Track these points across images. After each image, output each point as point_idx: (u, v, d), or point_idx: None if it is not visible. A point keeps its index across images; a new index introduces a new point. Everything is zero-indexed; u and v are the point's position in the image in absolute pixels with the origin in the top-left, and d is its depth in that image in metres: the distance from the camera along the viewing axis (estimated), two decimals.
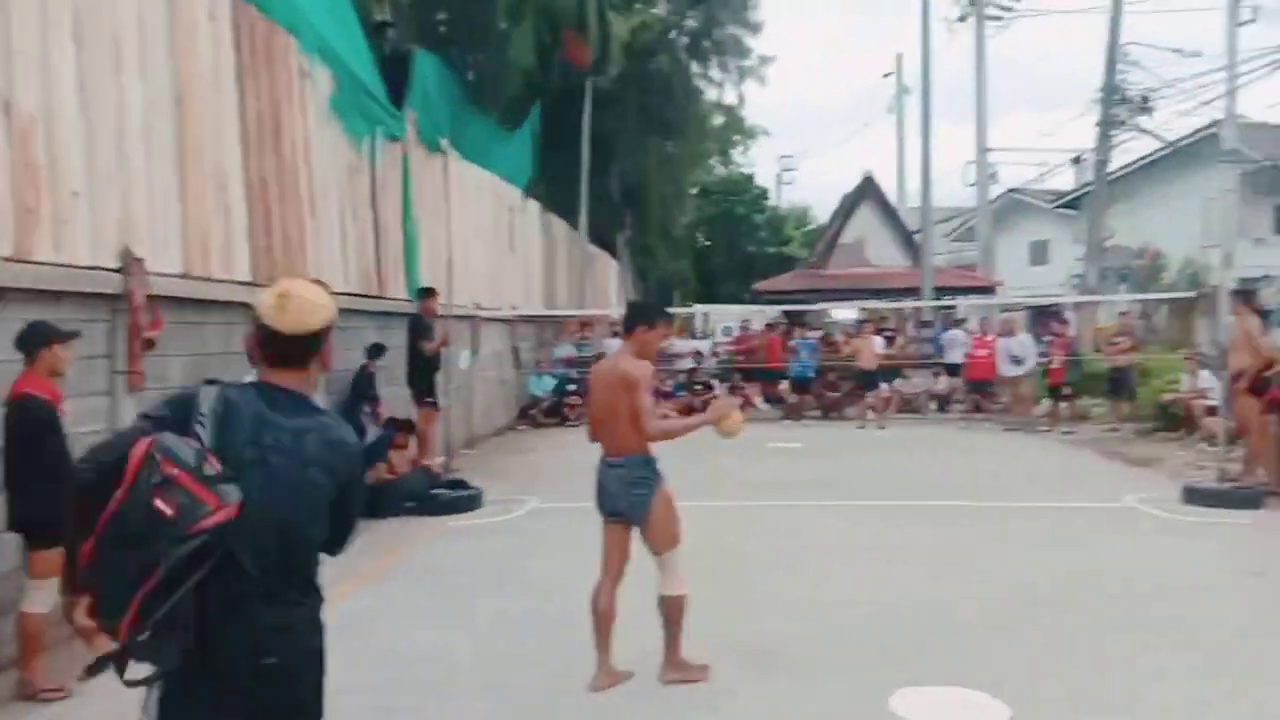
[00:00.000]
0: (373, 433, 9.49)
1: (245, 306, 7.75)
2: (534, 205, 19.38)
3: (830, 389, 17.77)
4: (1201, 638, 5.20)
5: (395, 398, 10.53)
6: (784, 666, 4.83)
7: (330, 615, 5.67)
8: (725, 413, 4.50)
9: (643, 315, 4.65)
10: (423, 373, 10.03)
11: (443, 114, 13.35)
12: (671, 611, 4.56)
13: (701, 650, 5.09)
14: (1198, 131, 27.77)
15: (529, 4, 17.74)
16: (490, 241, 15.87)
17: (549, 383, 17.48)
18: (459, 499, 9.11)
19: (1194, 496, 8.88)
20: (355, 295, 10.06)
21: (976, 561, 7.02)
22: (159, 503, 1.92)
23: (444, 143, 13.40)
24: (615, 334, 22.30)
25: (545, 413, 17.09)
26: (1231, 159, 27.06)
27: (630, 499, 4.49)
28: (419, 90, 12.64)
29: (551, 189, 21.46)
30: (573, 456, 13.05)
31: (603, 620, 4.62)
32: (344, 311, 9.43)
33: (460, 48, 17.00)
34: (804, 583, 6.43)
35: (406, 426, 9.76)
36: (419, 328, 9.99)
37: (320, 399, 6.31)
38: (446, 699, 4.53)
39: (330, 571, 6.70)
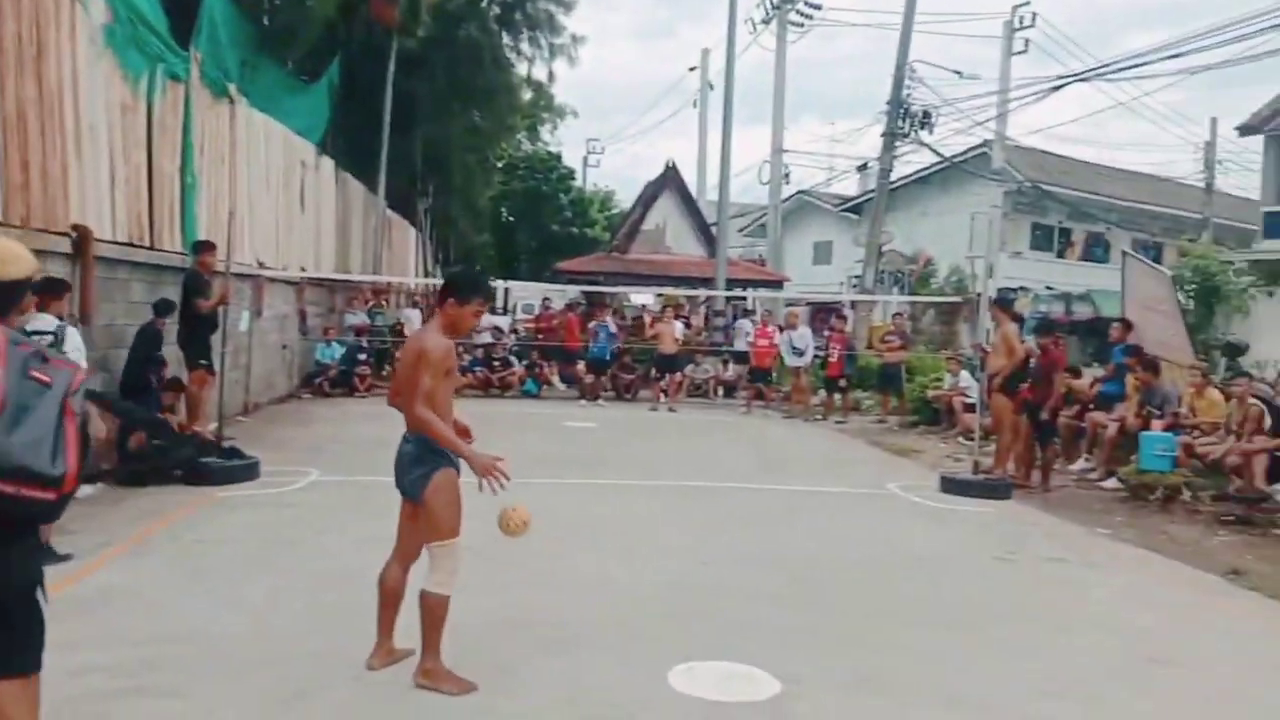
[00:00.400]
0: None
1: None
2: (329, 163, 18.51)
3: (626, 371, 18.04)
4: (956, 616, 5.60)
5: (167, 358, 9.80)
6: (564, 645, 4.83)
7: (82, 588, 5.23)
8: (507, 514, 4.39)
9: (457, 288, 4.29)
10: (196, 333, 9.36)
11: (232, 57, 12.50)
12: (431, 610, 4.21)
13: (480, 627, 5.04)
14: (970, 150, 30.04)
15: None
16: (279, 197, 15.02)
17: (337, 351, 16.78)
18: (232, 468, 8.57)
19: (949, 486, 9.60)
20: (123, 244, 9.27)
21: (751, 540, 7.30)
22: None
23: (232, 88, 12.58)
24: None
25: (333, 382, 16.42)
26: (998, 178, 29.49)
27: (409, 478, 4.25)
28: (206, 29, 11.77)
29: (350, 149, 20.58)
30: (359, 429, 12.72)
31: (386, 598, 4.43)
32: (110, 262, 8.80)
33: None
34: (588, 561, 6.46)
35: (174, 386, 9.11)
36: (194, 284, 9.31)
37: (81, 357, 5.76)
38: (206, 679, 4.24)
39: (84, 541, 6.23)
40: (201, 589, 5.49)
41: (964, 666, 4.78)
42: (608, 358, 17.36)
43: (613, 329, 17.67)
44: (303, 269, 16.43)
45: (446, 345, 4.20)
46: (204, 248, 9.64)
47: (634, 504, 8.51)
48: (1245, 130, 24.61)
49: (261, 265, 13.38)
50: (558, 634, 4.98)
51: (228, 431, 9.57)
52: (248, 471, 8.63)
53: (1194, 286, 19.57)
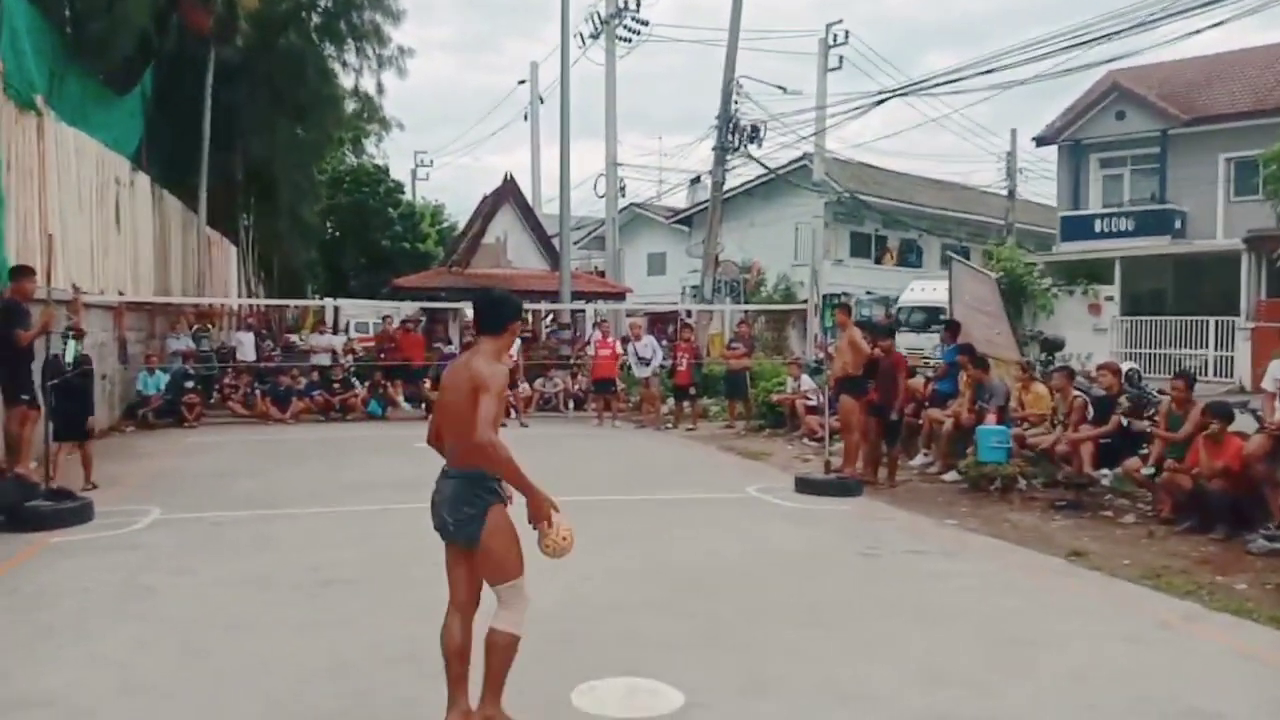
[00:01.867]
0: None
1: None
2: (145, 180, 17.42)
3: None
4: (834, 614, 5.80)
5: None
6: None
7: None
8: (550, 532, 3.84)
9: (500, 315, 3.99)
10: (16, 366, 8.59)
11: (39, 68, 11.60)
12: (503, 650, 3.84)
13: (371, 663, 4.86)
14: (792, 162, 31.27)
15: None
16: (93, 216, 14.03)
17: (161, 379, 15.75)
18: (63, 511, 7.91)
19: (804, 486, 9.94)
20: None
21: (626, 553, 7.32)
22: None
23: (39, 100, 11.66)
24: (250, 327, 20.71)
25: (157, 413, 15.41)
26: (818, 189, 30.82)
27: (456, 519, 3.84)
28: (8, 36, 10.88)
29: (168, 165, 19.44)
30: (196, 461, 12.03)
31: (454, 658, 3.91)
32: None
33: None
34: None
35: None
36: (13, 314, 8.55)
37: None
38: None
39: None
40: (53, 646, 5.03)
41: (851, 663, 4.95)
42: None
43: (456, 347, 17.36)
44: (121, 292, 15.37)
45: (504, 370, 3.95)
46: (21, 274, 8.88)
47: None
48: (1041, 141, 26.68)
49: (77, 289, 12.41)
50: (441, 666, 4.82)
51: (53, 471, 8.81)
52: (81, 513, 8.00)
53: (1002, 287, 21.05)
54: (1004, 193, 34.96)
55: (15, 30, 11.04)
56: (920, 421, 11.91)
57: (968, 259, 22.32)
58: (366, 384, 17.69)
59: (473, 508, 3.82)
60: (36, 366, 8.82)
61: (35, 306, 8.86)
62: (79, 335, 8.84)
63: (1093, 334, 21.66)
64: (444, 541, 3.96)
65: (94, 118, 14.83)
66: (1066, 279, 23.24)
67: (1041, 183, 41.42)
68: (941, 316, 23.72)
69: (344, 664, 4.84)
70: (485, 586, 3.95)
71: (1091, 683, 4.71)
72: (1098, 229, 24.56)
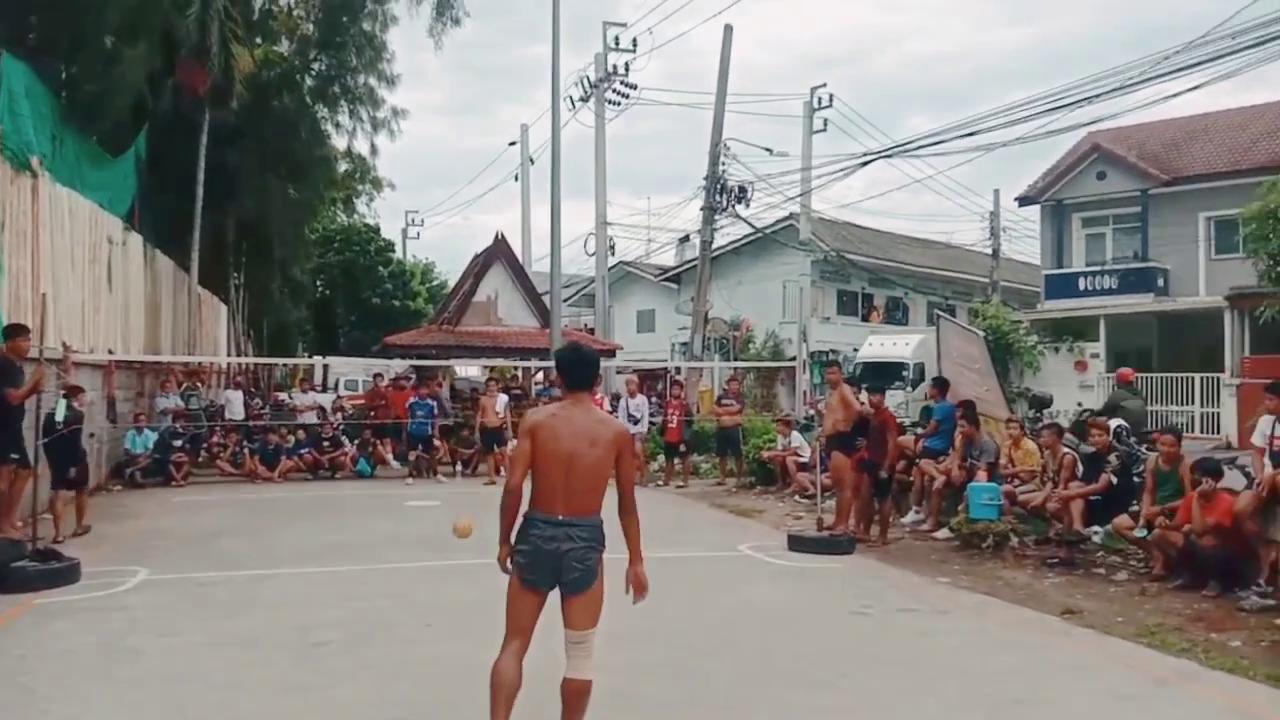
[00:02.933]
0: None
1: None
2: (137, 239, 17.50)
3: (465, 445, 17.74)
4: (829, 673, 5.75)
5: None
6: None
7: None
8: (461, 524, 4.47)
9: (597, 365, 4.35)
10: (6, 424, 8.56)
11: (40, 130, 11.73)
12: (586, 696, 4.12)
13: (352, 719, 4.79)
14: (780, 222, 31.65)
15: (142, 23, 16.14)
16: (85, 275, 14.06)
17: (150, 438, 15.66)
18: (50, 571, 7.82)
19: (797, 544, 9.90)
20: None
21: (618, 612, 7.22)
22: None
23: (35, 162, 11.77)
24: (239, 385, 20.59)
25: (145, 472, 15.30)
26: (805, 247, 31.17)
27: (587, 564, 4.03)
28: (5, 98, 11.03)
29: (160, 224, 19.55)
30: (184, 521, 11.92)
31: (508, 696, 4.01)
32: None
33: (56, 59, 15.04)
34: (455, 649, 6.16)
35: None
36: (6, 372, 8.54)
37: None
38: None
39: None
40: (36, 711, 4.95)
41: None
42: (429, 433, 16.90)
43: (432, 405, 17.26)
44: (110, 350, 15.36)
45: None
46: (15, 332, 8.89)
47: (491, 584, 8.24)
48: (1024, 201, 27.13)
49: (68, 348, 12.40)
50: None
51: (39, 532, 8.73)
52: (67, 574, 7.90)
53: (989, 344, 21.23)
54: (988, 251, 35.40)
55: (13, 92, 11.20)
56: (911, 479, 11.93)
57: (954, 316, 22.57)
58: (356, 442, 17.61)
59: (596, 554, 4.07)
60: (29, 425, 8.79)
61: (29, 365, 8.85)
62: (72, 393, 8.83)
63: (1079, 390, 21.81)
64: (525, 587, 4.06)
65: (89, 178, 14.96)
66: (1052, 336, 23.45)
67: (1025, 241, 42.05)
68: (904, 373, 23.95)
69: None
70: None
71: None
72: (1082, 287, 24.86)
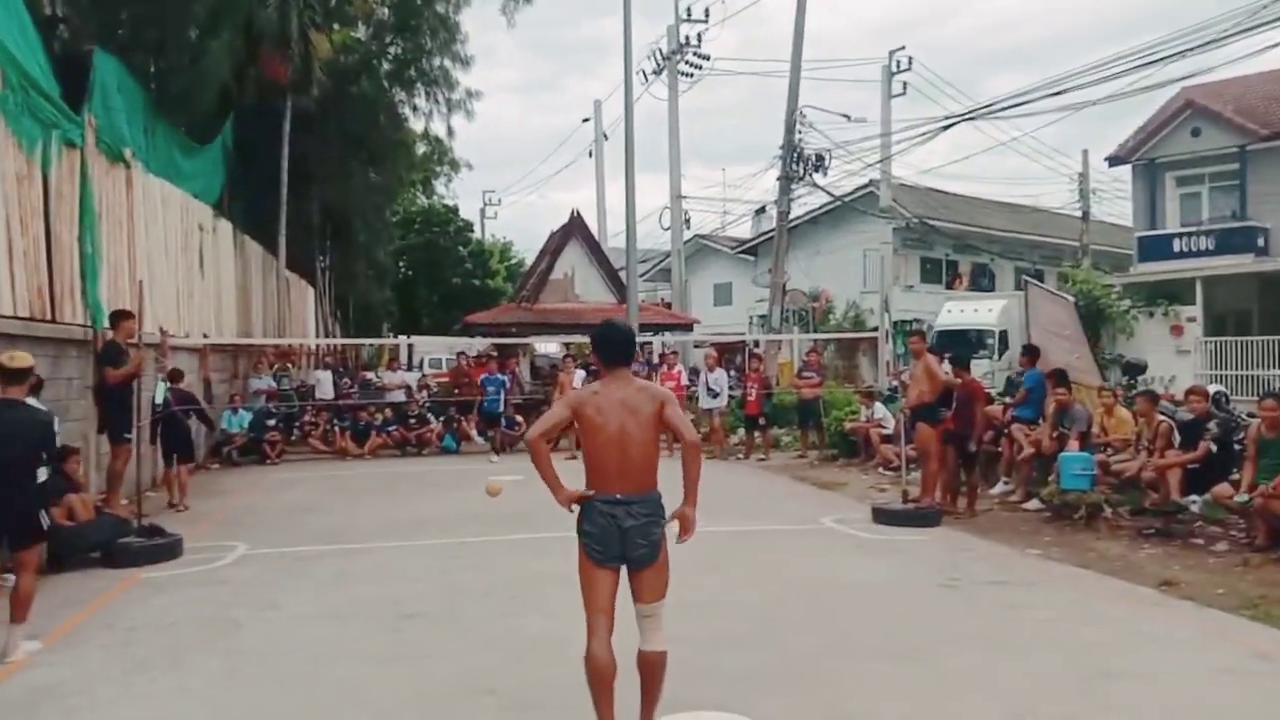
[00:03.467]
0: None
1: None
2: (226, 226, 18.04)
3: None
4: (912, 646, 5.68)
5: (67, 435, 9.34)
6: (530, 709, 4.68)
7: (12, 688, 4.91)
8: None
9: (634, 341, 4.40)
10: (118, 405, 8.94)
11: (133, 122, 12.13)
12: (663, 667, 4.15)
13: (444, 695, 4.91)
14: (859, 189, 31.06)
15: (225, 15, 16.57)
16: (178, 262, 14.56)
17: (245, 418, 16.20)
18: (155, 547, 8.17)
19: (881, 516, 9.78)
20: (24, 319, 8.82)
21: (700, 585, 7.26)
22: None
23: (128, 153, 12.19)
24: (327, 365, 21.17)
25: (241, 451, 15.86)
26: (886, 215, 30.57)
27: (651, 540, 4.05)
28: (99, 94, 11.42)
29: (248, 211, 20.11)
30: (278, 498, 12.30)
31: (609, 682, 4.01)
32: (8, 337, 8.32)
33: (146, 53, 15.53)
34: (538, 622, 6.28)
35: (68, 452, 8.53)
36: (112, 355, 8.90)
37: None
38: None
39: (3, 635, 5.78)
40: (146, 680, 5.19)
41: (934, 697, 4.85)
42: (500, 409, 17.11)
43: (504, 380, 17.49)
44: (205, 334, 15.90)
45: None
46: (123, 316, 9.28)
47: (573, 558, 8.39)
48: (1114, 161, 26.13)
49: (164, 333, 12.89)
50: (521, 698, 4.85)
51: (144, 509, 9.12)
52: (171, 550, 8.25)
53: (1080, 310, 20.57)
54: (1077, 214, 34.23)
55: (105, 87, 11.58)
56: (999, 449, 11.68)
57: (1043, 282, 21.90)
58: (441, 419, 17.95)
59: (659, 528, 4.08)
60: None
61: (132, 349, 9.23)
62: (172, 378, 9.16)
63: (1175, 356, 21.01)
64: (599, 567, 4.05)
65: (182, 168, 15.46)
66: (1146, 300, 22.61)
67: (1116, 203, 40.56)
68: (988, 340, 23.21)
69: (425, 697, 4.90)
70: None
71: (1186, 716, 4.54)
72: (1176, 248, 23.88)
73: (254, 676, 5.24)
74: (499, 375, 17.45)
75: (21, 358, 5.62)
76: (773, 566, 7.95)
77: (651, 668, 4.14)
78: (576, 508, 4.09)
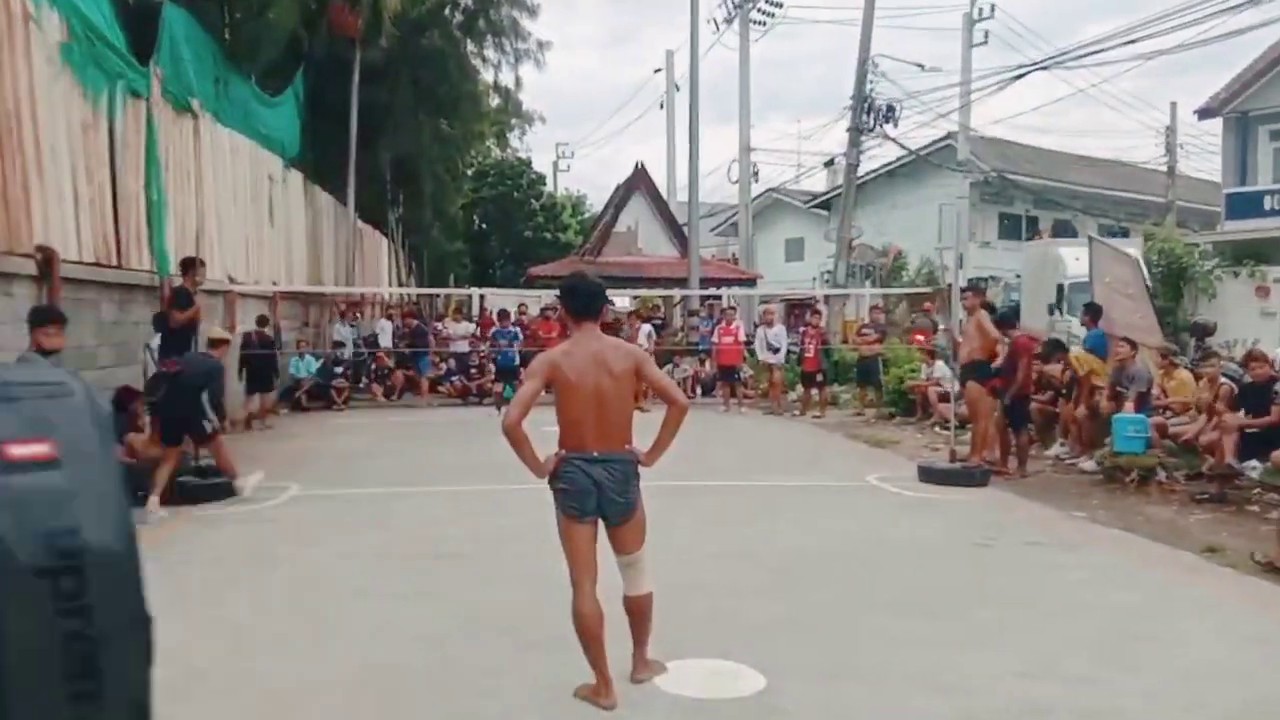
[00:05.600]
0: None
1: None
2: (296, 176, 18.41)
3: None
4: (937, 603, 5.64)
5: (134, 377, 9.75)
6: (547, 646, 4.76)
7: None
8: None
9: (604, 296, 4.29)
10: (177, 350, 9.28)
11: (196, 73, 12.41)
12: (650, 607, 4.27)
13: (462, 630, 5.05)
14: (935, 142, 30.25)
15: None
16: (247, 212, 14.93)
17: (311, 364, 16.68)
18: (209, 486, 8.51)
19: (928, 475, 9.66)
20: (90, 265, 9.18)
21: (732, 536, 7.32)
22: None
23: (195, 103, 12.49)
24: (390, 316, 21.62)
25: (309, 396, 16.33)
26: (963, 169, 29.74)
27: (629, 496, 4.08)
28: (167, 45, 11.69)
29: (318, 162, 20.48)
30: (337, 442, 12.67)
31: (600, 632, 4.08)
32: (77, 283, 8.69)
33: (216, 3, 15.81)
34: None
35: (134, 394, 8.91)
36: (181, 301, 9.23)
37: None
38: (188, 700, 4.20)
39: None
40: (181, 609, 5.41)
41: (947, 652, 4.81)
42: (515, 363, 16.72)
43: (515, 332, 17.53)
44: (274, 283, 16.32)
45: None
46: (192, 264, 9.59)
47: None
48: (1204, 114, 24.95)
49: (232, 280, 13.30)
50: (539, 635, 4.93)
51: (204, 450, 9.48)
52: (226, 489, 8.57)
53: (1161, 269, 19.77)
54: (1163, 169, 32.85)
55: (174, 38, 11.85)
56: (1058, 410, 11.39)
57: (1127, 239, 21.06)
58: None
59: (635, 483, 4.11)
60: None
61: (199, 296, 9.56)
62: (215, 344, 9.37)
63: (1260, 319, 20.09)
64: (579, 522, 4.06)
65: (256, 119, 15.78)
66: (1232, 260, 21.64)
67: (1206, 158, 38.72)
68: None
69: (441, 633, 5.04)
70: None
71: (1207, 681, 4.43)
72: (1268, 206, 22.75)
73: (284, 609, 5.46)
74: (510, 328, 17.56)
75: (218, 331, 9.14)
76: (807, 521, 7.93)
77: (639, 610, 4.24)
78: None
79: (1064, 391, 11.34)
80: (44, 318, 6.77)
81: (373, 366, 18.29)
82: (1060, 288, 18.95)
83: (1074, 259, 18.88)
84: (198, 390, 8.18)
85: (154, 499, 7.74)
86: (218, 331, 9.55)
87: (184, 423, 8.19)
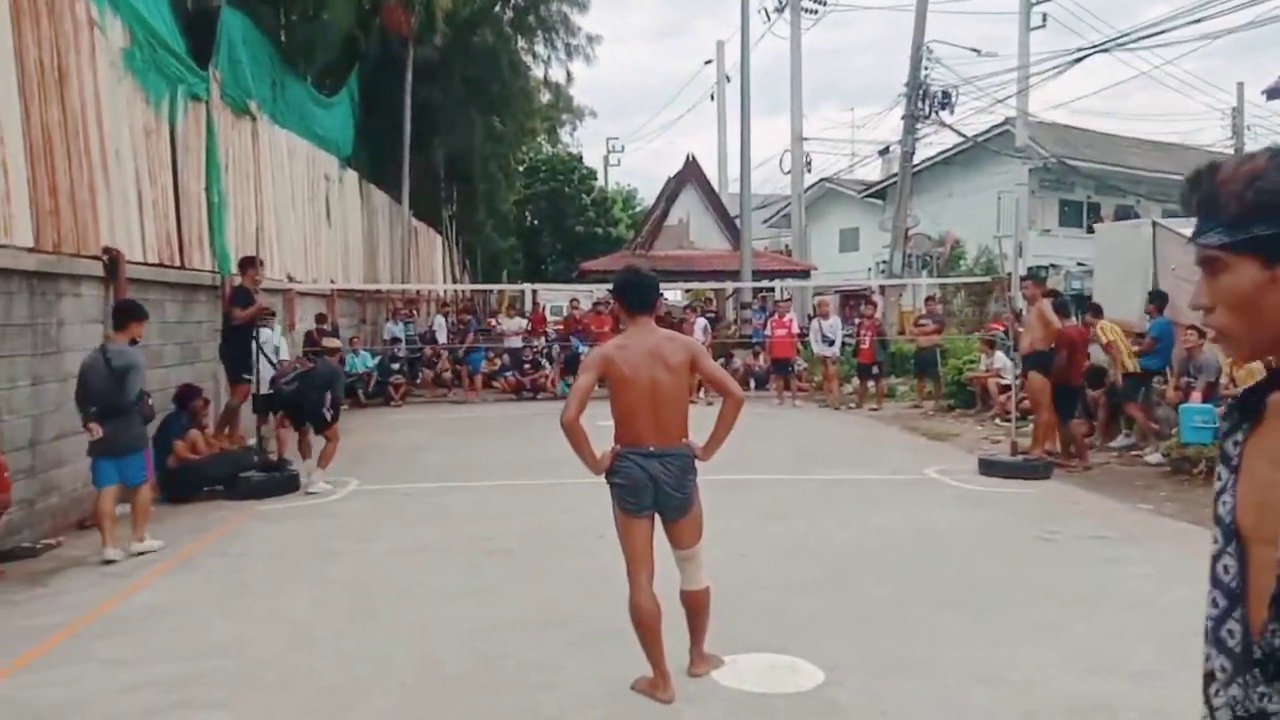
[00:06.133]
0: None
1: (36, 276, 7.11)
2: (352, 175, 18.68)
3: None
4: (996, 598, 5.55)
5: (198, 375, 9.98)
6: (603, 642, 4.77)
7: (128, 607, 5.33)
8: None
9: (657, 290, 4.26)
10: (237, 346, 9.49)
11: (253, 75, 12.63)
12: (709, 601, 4.26)
13: (518, 626, 5.07)
14: (993, 128, 29.69)
15: None
16: (305, 212, 15.19)
17: (366, 359, 16.93)
18: (272, 481, 8.68)
19: (988, 468, 9.49)
20: (154, 265, 9.40)
21: (788, 531, 7.26)
22: None
23: (253, 105, 12.71)
24: (445, 313, 21.88)
25: (368, 393, 16.60)
26: (1022, 155, 29.13)
27: (686, 490, 4.04)
28: (225, 49, 11.92)
29: (373, 161, 20.78)
30: (395, 437, 12.83)
31: (654, 624, 4.07)
32: (142, 283, 8.91)
33: (273, 6, 16.10)
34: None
35: (193, 393, 9.10)
36: (241, 299, 9.44)
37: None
38: (248, 692, 4.29)
39: (131, 561, 6.32)
40: (243, 603, 5.55)
41: (1005, 647, 4.73)
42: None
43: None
44: (332, 281, 16.58)
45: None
46: (251, 263, 9.82)
47: None
48: (1272, 94, 24.15)
49: (291, 279, 13.53)
50: (596, 631, 4.95)
51: (268, 444, 9.67)
52: (287, 484, 8.74)
53: None
54: (1230, 152, 31.89)
55: (232, 41, 12.08)
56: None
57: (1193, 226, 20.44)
58: (557, 365, 18.29)
59: (693, 477, 4.08)
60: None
61: (260, 295, 9.79)
62: (329, 351, 9.96)
63: None
64: (637, 517, 4.04)
65: (311, 120, 16.05)
66: None
67: (1274, 139, 37.48)
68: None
69: (496, 628, 5.08)
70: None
71: None
72: None
73: (340, 604, 5.54)
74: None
75: (332, 340, 10.70)
76: (863, 515, 7.84)
77: (697, 604, 4.23)
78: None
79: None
80: (142, 313, 7.08)
81: (429, 357, 18.63)
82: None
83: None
84: (323, 389, 9.03)
85: (318, 470, 8.87)
86: (332, 341, 10.77)
87: (310, 413, 9.10)
